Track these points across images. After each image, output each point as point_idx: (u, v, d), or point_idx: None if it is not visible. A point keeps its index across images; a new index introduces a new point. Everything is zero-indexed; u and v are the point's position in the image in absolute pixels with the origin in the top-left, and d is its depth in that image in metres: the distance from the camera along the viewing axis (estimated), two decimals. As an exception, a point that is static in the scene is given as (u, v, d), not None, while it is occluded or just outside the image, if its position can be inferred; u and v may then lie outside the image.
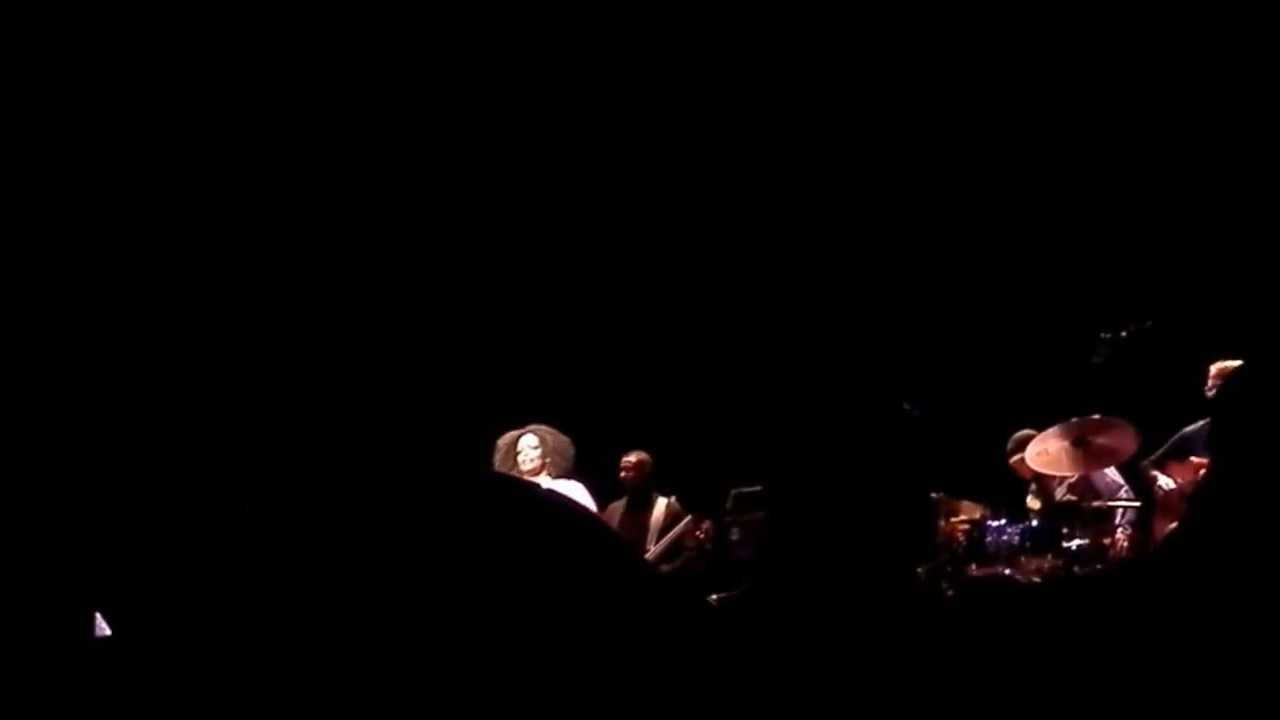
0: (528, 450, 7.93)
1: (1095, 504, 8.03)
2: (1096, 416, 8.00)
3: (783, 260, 10.23)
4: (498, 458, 8.01)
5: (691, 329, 10.38)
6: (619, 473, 9.00)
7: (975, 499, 8.31)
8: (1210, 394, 7.69)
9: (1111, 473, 8.23)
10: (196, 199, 9.98)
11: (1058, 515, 8.08)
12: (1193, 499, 6.49)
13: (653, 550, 8.63)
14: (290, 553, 3.79)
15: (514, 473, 7.82)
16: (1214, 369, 7.73)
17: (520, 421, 8.24)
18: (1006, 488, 8.51)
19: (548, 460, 7.94)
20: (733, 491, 8.57)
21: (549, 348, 10.44)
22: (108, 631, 4.83)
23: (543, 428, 8.09)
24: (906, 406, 7.37)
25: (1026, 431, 8.33)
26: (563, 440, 8.07)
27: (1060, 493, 8.40)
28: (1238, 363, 7.55)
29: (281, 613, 3.75)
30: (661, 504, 8.91)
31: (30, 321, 9.01)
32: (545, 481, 7.84)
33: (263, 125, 9.98)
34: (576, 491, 7.89)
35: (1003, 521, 8.06)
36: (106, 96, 9.60)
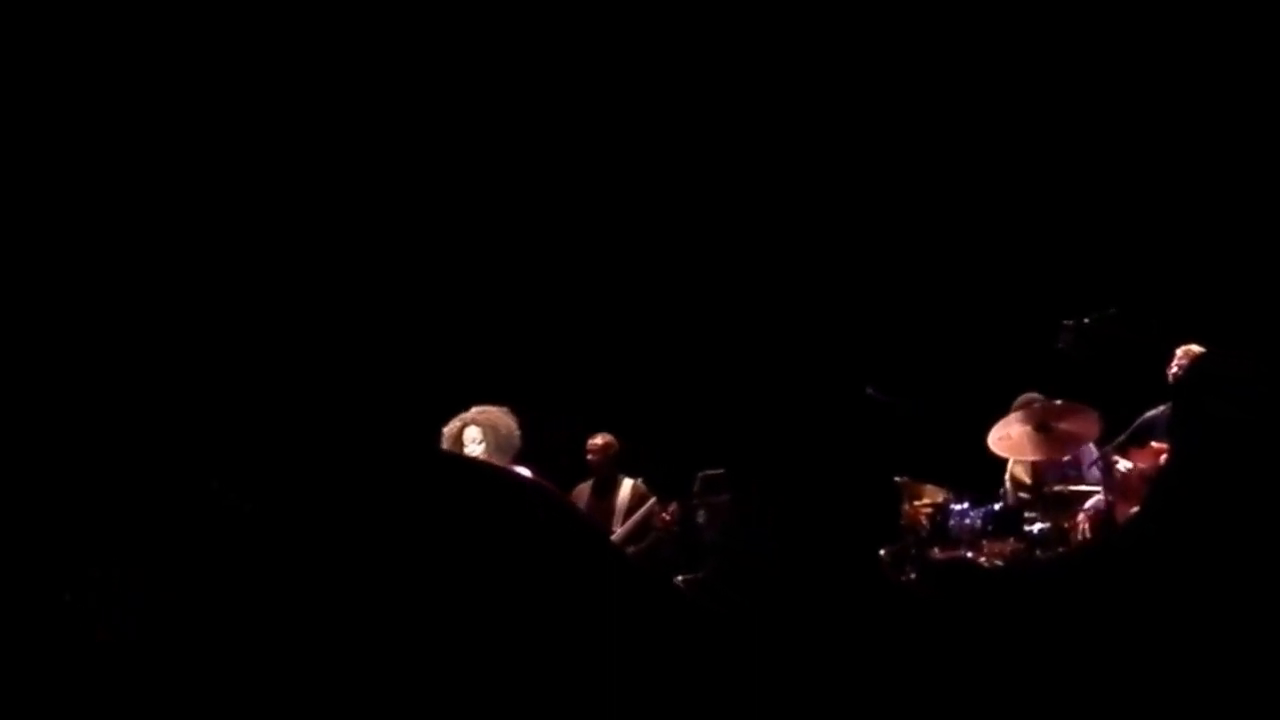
0: (471, 445, 7.84)
1: (1057, 489, 8.10)
2: (1059, 402, 8.09)
3: (750, 246, 10.25)
4: (444, 446, 7.92)
5: (659, 313, 10.39)
6: (585, 455, 9.01)
7: (940, 483, 8.36)
8: (1173, 375, 7.74)
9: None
10: (162, 184, 9.92)
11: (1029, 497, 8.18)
12: (1153, 484, 6.56)
13: (618, 532, 8.66)
14: (267, 536, 3.81)
15: None
16: (1180, 351, 7.77)
17: (488, 402, 8.20)
18: (973, 471, 8.55)
19: (491, 454, 7.84)
20: (700, 474, 8.61)
21: (516, 331, 10.43)
22: None
23: (486, 415, 7.95)
24: (870, 391, 7.45)
25: (1029, 395, 8.34)
26: (506, 428, 7.93)
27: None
28: (1199, 348, 7.63)
29: (259, 595, 3.77)
30: (627, 486, 8.92)
31: (28, 322, 8.96)
32: None
33: (233, 110, 9.95)
34: None
35: (966, 505, 8.13)
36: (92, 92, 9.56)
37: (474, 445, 7.80)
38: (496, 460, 7.74)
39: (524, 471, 7.80)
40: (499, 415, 7.92)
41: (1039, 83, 9.73)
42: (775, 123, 10.11)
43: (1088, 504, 7.98)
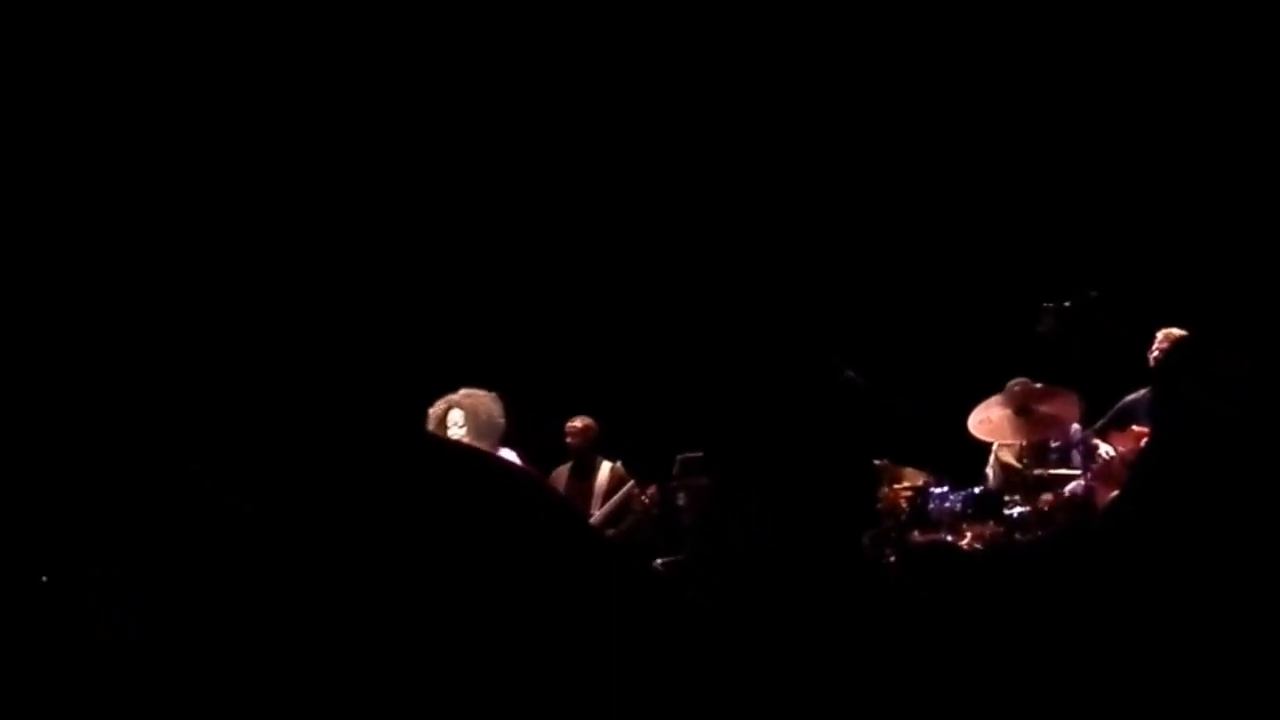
0: (454, 429, 7.82)
1: (1037, 472, 8.09)
2: (1039, 385, 8.06)
3: (732, 231, 10.21)
4: (429, 427, 7.91)
5: (638, 296, 10.35)
6: (564, 438, 8.98)
7: (920, 466, 8.33)
8: (1154, 358, 7.74)
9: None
10: (141, 172, 9.84)
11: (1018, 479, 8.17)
12: (1134, 467, 6.56)
13: (597, 515, 8.63)
14: (263, 530, 3.78)
15: None
16: (1160, 334, 7.77)
17: (467, 385, 8.17)
18: (953, 455, 8.53)
19: (473, 438, 7.82)
20: (679, 457, 8.59)
21: (495, 313, 10.39)
22: None
23: (470, 398, 7.94)
24: (850, 375, 7.43)
25: (1021, 380, 8.32)
26: (489, 410, 7.90)
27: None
28: (1179, 331, 7.62)
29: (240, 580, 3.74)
30: (605, 469, 8.89)
31: (19, 320, 8.88)
32: None
33: (208, 92, 9.88)
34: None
35: (945, 489, 8.10)
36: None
37: (456, 428, 7.80)
38: (479, 443, 7.74)
39: (509, 454, 7.80)
40: (483, 399, 7.92)
41: (1021, 67, 9.69)
42: (753, 107, 10.05)
43: (1063, 488, 7.98)
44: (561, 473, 8.93)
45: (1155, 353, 7.78)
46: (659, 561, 7.93)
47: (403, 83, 10.10)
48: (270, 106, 9.95)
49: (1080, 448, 8.14)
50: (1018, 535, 7.76)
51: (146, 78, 9.63)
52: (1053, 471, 8.12)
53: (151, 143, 9.79)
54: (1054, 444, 8.31)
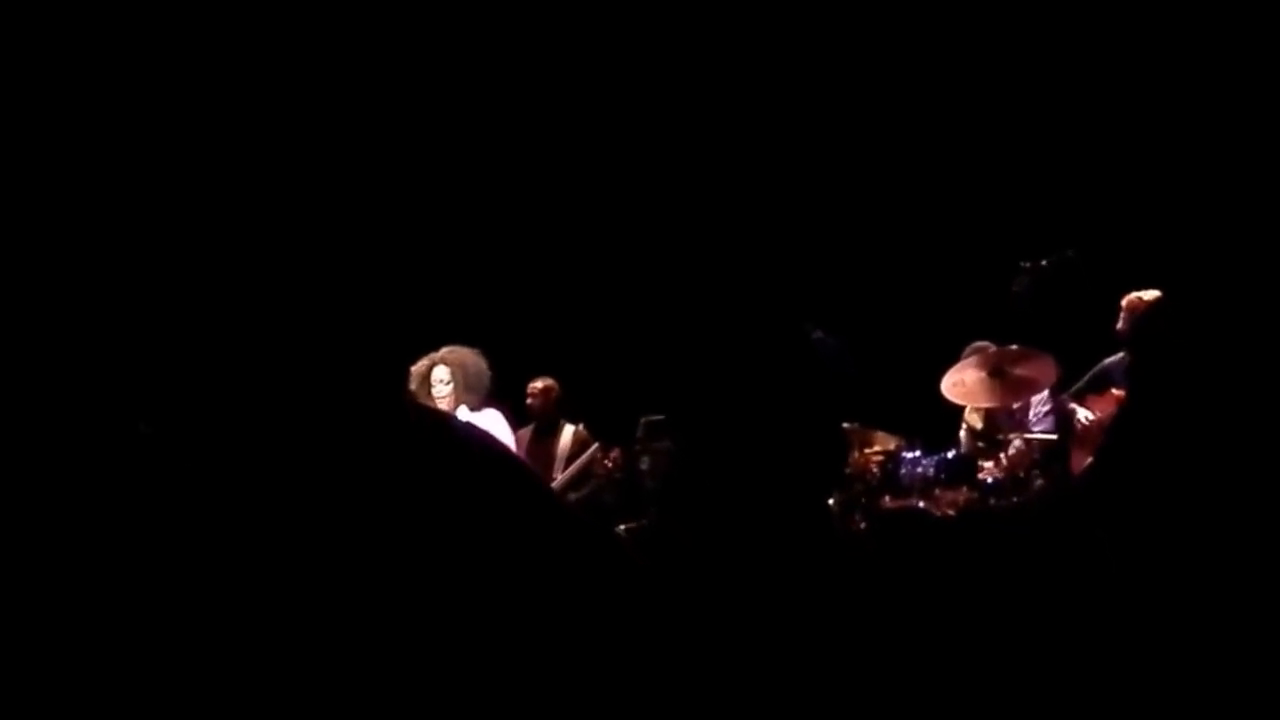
0: (440, 386, 7.77)
1: (1012, 436, 7.97)
2: (1014, 347, 7.91)
3: (693, 187, 10.09)
4: (413, 386, 7.82)
5: (599, 255, 10.23)
6: (525, 399, 8.84)
7: (892, 430, 8.20)
8: (1121, 328, 7.66)
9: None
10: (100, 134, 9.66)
11: (986, 444, 8.06)
12: (1109, 431, 6.44)
13: (560, 478, 8.50)
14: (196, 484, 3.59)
15: (428, 403, 7.66)
16: (1124, 302, 7.68)
17: (429, 347, 8.05)
18: (926, 418, 8.41)
19: (460, 394, 7.76)
20: (643, 419, 8.43)
21: (458, 272, 10.24)
22: None
23: (456, 354, 7.89)
24: (819, 334, 7.26)
25: (981, 343, 8.19)
26: (476, 367, 7.88)
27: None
28: (1148, 295, 7.52)
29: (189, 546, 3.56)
30: (569, 431, 8.81)
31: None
32: (462, 414, 7.67)
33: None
34: (493, 421, 7.75)
35: (917, 453, 7.97)
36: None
37: (442, 384, 7.78)
38: (466, 400, 7.68)
39: (493, 413, 7.68)
40: (469, 355, 7.88)
41: (990, 23, 9.56)
42: (714, 66, 9.91)
43: (1035, 451, 7.88)
44: (523, 436, 8.82)
45: (1120, 321, 7.70)
46: (622, 526, 7.80)
47: (364, 52, 9.96)
48: (231, 71, 9.80)
49: (1053, 410, 8.06)
50: (991, 501, 7.64)
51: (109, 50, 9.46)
52: (1027, 435, 8.01)
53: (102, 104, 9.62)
54: (1016, 405, 8.22)
